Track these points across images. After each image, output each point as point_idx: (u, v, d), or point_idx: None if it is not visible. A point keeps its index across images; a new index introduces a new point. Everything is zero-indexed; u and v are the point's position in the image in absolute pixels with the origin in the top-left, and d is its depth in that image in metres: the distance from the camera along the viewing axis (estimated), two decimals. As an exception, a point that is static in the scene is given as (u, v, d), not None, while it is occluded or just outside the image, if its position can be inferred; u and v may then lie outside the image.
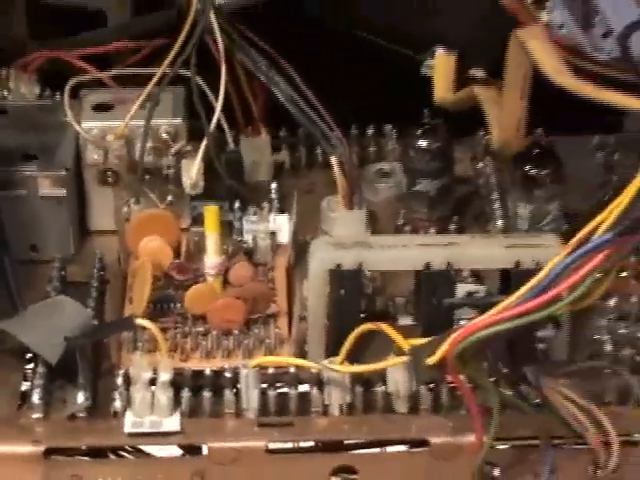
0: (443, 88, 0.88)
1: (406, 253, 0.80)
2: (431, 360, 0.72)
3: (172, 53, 0.86)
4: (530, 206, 0.87)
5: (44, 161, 0.87)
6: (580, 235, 0.71)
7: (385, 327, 0.77)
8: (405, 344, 0.75)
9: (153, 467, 0.77)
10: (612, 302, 0.84)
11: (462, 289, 0.81)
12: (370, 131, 0.97)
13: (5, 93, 0.94)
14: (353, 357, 0.78)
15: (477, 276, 0.83)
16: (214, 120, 0.87)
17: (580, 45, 0.73)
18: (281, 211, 0.89)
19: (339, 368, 0.78)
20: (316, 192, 0.91)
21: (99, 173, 0.88)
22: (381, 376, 0.78)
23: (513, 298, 0.71)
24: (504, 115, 0.82)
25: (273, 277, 0.86)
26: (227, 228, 0.87)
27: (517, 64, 0.79)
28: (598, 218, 0.70)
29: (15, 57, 0.96)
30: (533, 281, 0.71)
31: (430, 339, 0.74)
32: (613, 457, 0.76)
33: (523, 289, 0.71)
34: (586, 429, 0.76)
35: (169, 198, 0.88)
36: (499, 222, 0.90)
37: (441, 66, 0.88)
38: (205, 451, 0.77)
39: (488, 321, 0.71)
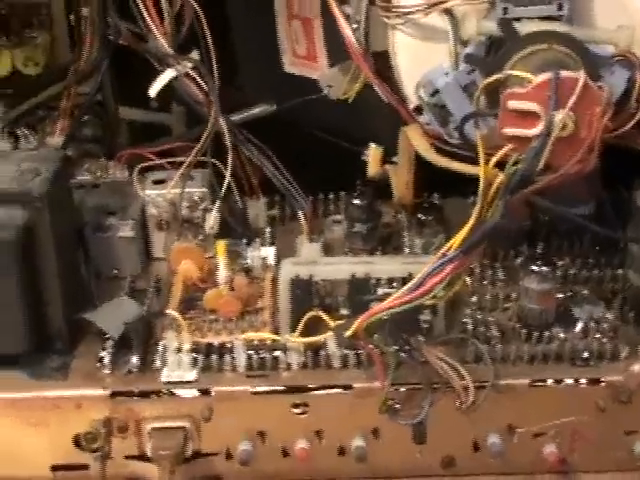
0: (374, 167, 0.84)
1: (339, 267, 0.77)
2: (346, 334, 0.69)
3: (198, 147, 0.83)
4: (422, 239, 0.84)
5: (121, 215, 0.85)
6: (439, 253, 0.67)
7: (321, 314, 0.74)
8: (332, 324, 0.72)
9: (179, 403, 0.74)
10: (473, 298, 0.80)
11: (381, 291, 0.77)
12: (331, 196, 0.92)
13: (107, 175, 0.91)
14: (306, 333, 0.75)
15: (391, 283, 0.78)
16: (223, 188, 0.83)
17: (441, 135, 0.70)
18: (271, 244, 0.86)
19: (296, 340, 0.75)
20: (293, 233, 0.87)
21: (156, 222, 0.86)
22: (324, 345, 0.75)
23: (398, 293, 0.68)
24: (399, 180, 0.79)
25: (263, 285, 0.82)
26: (237, 255, 0.84)
27: (405, 149, 0.76)
28: (449, 243, 0.66)
29: (115, 153, 0.93)
30: (410, 283, 0.67)
31: (347, 320, 0.70)
32: (470, 396, 0.72)
33: (404, 288, 0.68)
34: (453, 378, 0.72)
35: (200, 237, 0.84)
36: (407, 250, 0.85)
37: (373, 155, 0.84)
38: (213, 393, 0.74)
39: (383, 307, 0.68)
